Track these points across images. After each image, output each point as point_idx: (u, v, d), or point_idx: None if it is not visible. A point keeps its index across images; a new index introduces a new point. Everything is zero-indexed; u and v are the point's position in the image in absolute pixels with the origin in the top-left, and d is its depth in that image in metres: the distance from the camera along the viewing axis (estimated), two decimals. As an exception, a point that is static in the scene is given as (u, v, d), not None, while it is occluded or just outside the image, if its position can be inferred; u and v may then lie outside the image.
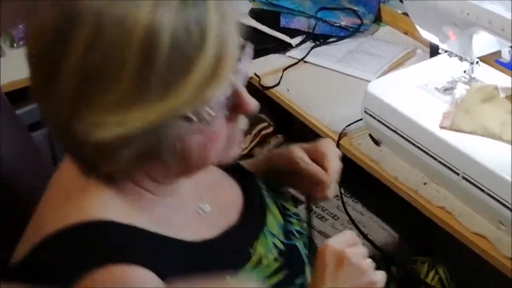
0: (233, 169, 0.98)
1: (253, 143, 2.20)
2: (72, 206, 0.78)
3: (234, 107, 0.79)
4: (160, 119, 0.71)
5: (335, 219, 1.83)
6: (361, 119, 1.47)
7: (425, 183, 1.33)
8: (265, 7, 1.93)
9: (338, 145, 1.46)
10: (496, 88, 1.29)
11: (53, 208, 0.80)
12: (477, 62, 1.36)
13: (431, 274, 1.40)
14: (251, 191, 0.98)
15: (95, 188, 0.79)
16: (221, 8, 0.71)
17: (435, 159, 1.28)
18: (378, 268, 1.37)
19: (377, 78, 1.61)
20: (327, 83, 1.67)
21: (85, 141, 0.71)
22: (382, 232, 1.81)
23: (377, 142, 1.45)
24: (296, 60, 1.75)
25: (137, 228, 0.79)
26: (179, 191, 0.87)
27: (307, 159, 1.03)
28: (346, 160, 1.42)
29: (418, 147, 1.31)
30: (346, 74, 1.69)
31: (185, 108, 0.72)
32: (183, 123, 0.73)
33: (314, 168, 1.02)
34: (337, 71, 1.71)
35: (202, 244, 0.86)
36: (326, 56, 1.75)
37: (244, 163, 1.09)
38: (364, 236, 1.46)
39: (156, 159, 0.77)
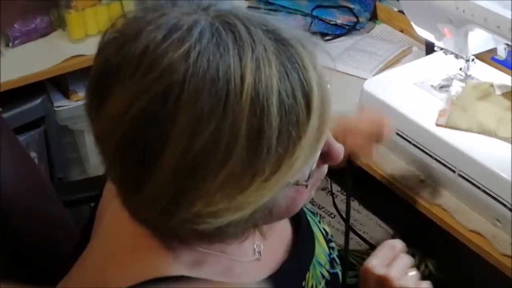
0: None
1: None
2: (141, 263, 0.72)
3: (322, 155, 0.72)
4: (273, 194, 0.65)
5: (331, 217, 1.83)
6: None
7: (421, 181, 1.33)
8: (261, 5, 1.93)
9: (334, 143, 1.46)
10: (491, 85, 1.29)
11: (119, 264, 0.73)
12: (472, 60, 1.36)
13: (421, 267, 1.40)
14: (298, 218, 0.93)
15: (165, 243, 0.72)
16: (316, 65, 0.66)
17: (431, 156, 1.28)
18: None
19: (373, 76, 1.61)
20: (323, 82, 1.67)
21: (190, 228, 0.65)
22: (379, 230, 1.81)
23: (373, 140, 1.45)
24: (292, 58, 1.74)
25: (207, 280, 0.74)
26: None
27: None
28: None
29: (414, 145, 1.31)
30: (342, 72, 1.68)
31: (294, 176, 0.67)
32: (285, 189, 0.68)
33: (375, 115, 1.06)
34: (333, 69, 1.69)
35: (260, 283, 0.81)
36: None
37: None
38: (355, 232, 1.46)
39: (252, 227, 0.72)
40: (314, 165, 0.70)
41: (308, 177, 0.70)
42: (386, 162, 1.39)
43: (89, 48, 1.79)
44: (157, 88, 0.60)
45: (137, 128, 0.62)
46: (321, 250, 0.93)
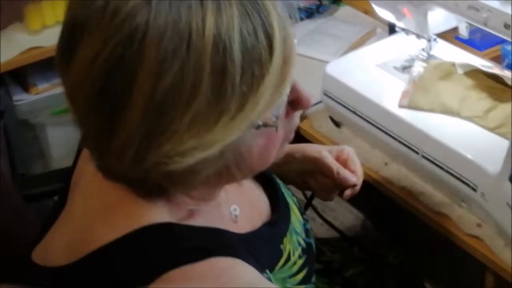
0: None
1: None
2: (127, 215, 0.74)
3: (292, 103, 0.76)
4: (239, 133, 0.67)
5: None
6: (321, 101, 1.44)
7: (386, 163, 1.31)
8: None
9: (298, 128, 1.44)
10: (453, 64, 1.27)
11: (106, 220, 0.75)
12: (434, 39, 1.35)
13: (392, 253, 1.39)
14: (273, 190, 0.97)
15: (144, 196, 0.75)
16: (277, 7, 0.68)
17: (394, 138, 1.26)
18: (340, 250, 1.37)
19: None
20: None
21: (160, 171, 0.67)
22: (350, 216, 1.80)
23: (337, 124, 1.43)
24: (255, 44, 1.72)
25: (194, 226, 0.77)
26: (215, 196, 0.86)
27: (338, 164, 1.08)
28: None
29: (377, 127, 1.30)
30: (306, 56, 1.66)
31: (260, 116, 0.69)
32: (252, 131, 0.70)
33: (347, 173, 1.07)
34: (296, 53, 1.67)
35: (244, 237, 0.84)
36: (285, 38, 1.72)
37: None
38: (323, 218, 1.44)
39: (225, 171, 0.74)
40: (282, 109, 0.73)
41: (276, 120, 0.72)
42: (351, 146, 1.35)
43: (47, 39, 1.75)
44: (122, 31, 0.63)
45: (106, 74, 0.64)
46: (296, 219, 0.97)
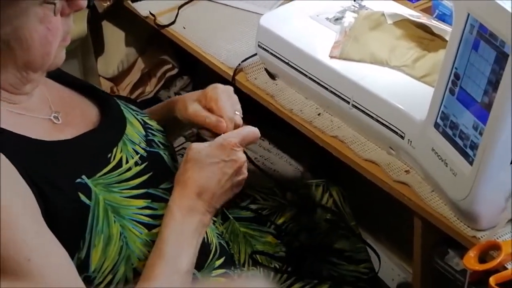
0: (89, 91, 1.08)
1: (158, 86, 2.17)
2: None
3: (68, 1, 0.91)
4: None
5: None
6: (256, 54, 1.45)
7: (319, 114, 1.33)
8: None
9: (233, 80, 1.45)
10: (383, 15, 1.29)
11: None
12: (366, -10, 1.36)
13: (326, 196, 1.41)
14: (107, 107, 1.05)
15: None
16: None
17: (326, 89, 1.28)
18: (273, 195, 1.39)
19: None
20: (224, 19, 1.65)
21: None
22: (289, 167, 1.83)
23: (272, 76, 1.44)
24: (192, -3, 1.71)
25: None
26: (29, 103, 0.96)
27: (203, 112, 1.08)
28: (252, 98, 1.42)
29: (310, 78, 1.31)
30: (242, 9, 1.66)
31: None
32: (35, 8, 0.85)
33: (212, 118, 1.06)
34: (233, 6, 1.68)
35: (55, 143, 0.93)
36: (222, -9, 1.71)
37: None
38: (255, 165, 1.46)
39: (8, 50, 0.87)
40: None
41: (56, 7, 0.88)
42: (285, 97, 1.38)
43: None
44: None
45: None
46: (134, 131, 1.05)
